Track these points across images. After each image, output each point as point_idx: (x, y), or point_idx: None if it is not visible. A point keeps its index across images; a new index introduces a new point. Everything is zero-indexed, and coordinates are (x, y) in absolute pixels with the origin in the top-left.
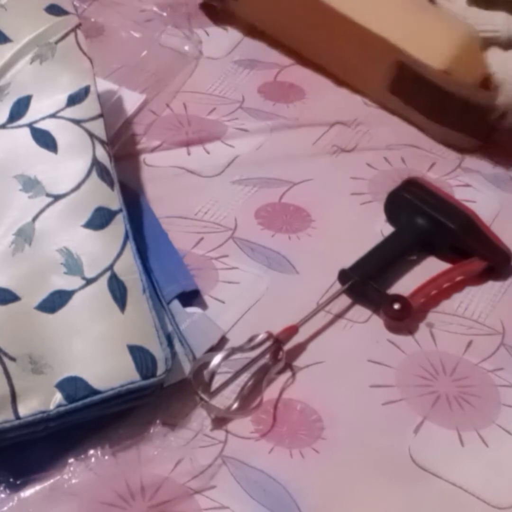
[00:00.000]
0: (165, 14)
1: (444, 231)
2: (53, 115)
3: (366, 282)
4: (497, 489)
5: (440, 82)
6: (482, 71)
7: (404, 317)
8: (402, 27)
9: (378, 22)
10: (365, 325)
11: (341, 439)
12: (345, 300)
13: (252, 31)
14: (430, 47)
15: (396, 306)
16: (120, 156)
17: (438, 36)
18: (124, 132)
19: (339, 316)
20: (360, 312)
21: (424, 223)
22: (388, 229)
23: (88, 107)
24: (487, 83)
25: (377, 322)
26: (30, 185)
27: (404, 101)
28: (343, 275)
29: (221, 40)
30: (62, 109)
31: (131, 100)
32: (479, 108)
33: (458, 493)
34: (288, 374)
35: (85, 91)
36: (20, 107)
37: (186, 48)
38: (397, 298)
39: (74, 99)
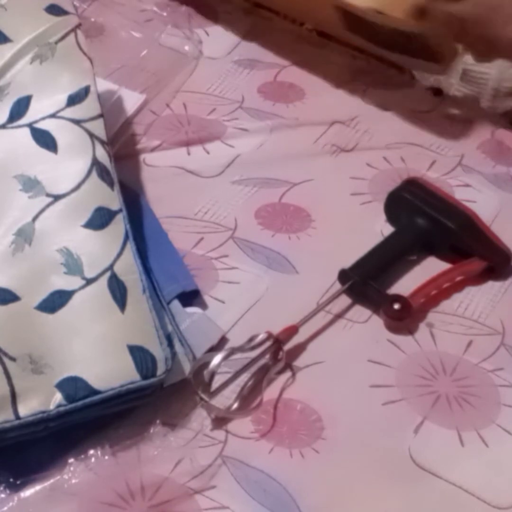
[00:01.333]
0: (165, 14)
1: (444, 231)
2: (53, 115)
3: (366, 282)
4: (497, 489)
5: (377, 20)
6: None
7: (404, 317)
8: None
9: None
10: (365, 325)
11: (341, 439)
12: (345, 300)
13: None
14: None
15: (396, 306)
16: (120, 156)
17: None
18: (124, 132)
19: (339, 316)
20: (360, 312)
21: (424, 223)
22: (388, 229)
23: (88, 107)
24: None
25: (377, 322)
26: (30, 185)
27: (363, 37)
28: (343, 275)
29: (221, 40)
30: (62, 109)
31: (131, 100)
32: (420, 36)
33: (458, 493)
34: (288, 374)
35: (85, 91)
36: (20, 107)
37: (186, 48)
38: (397, 298)
39: (74, 99)
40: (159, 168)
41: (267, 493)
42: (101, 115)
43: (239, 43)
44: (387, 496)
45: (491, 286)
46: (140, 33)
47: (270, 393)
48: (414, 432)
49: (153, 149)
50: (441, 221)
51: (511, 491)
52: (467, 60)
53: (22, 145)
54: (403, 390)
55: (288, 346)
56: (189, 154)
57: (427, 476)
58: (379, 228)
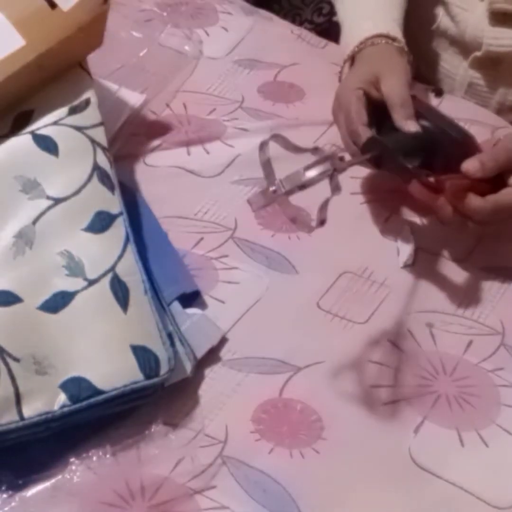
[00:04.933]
0: (165, 14)
1: (448, 140)
2: (55, 123)
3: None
4: (497, 489)
5: None
6: None
7: (439, 190)
8: None
9: None
10: (365, 325)
11: (341, 439)
12: (345, 299)
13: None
14: None
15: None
16: (120, 156)
17: None
18: (124, 132)
19: (339, 316)
20: (360, 312)
21: (432, 128)
22: (390, 227)
23: (89, 116)
24: None
25: (377, 322)
26: (30, 186)
27: None
28: (371, 143)
29: (221, 40)
30: (63, 118)
31: (131, 100)
32: None
33: (458, 493)
34: (288, 374)
35: (86, 103)
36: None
37: (186, 48)
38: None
39: (75, 109)
40: (159, 168)
41: (267, 493)
42: (101, 123)
43: (239, 43)
44: (387, 496)
45: (491, 286)
46: (140, 33)
47: (270, 393)
48: (414, 432)
49: (153, 149)
50: (446, 131)
51: (511, 491)
52: (473, 73)
53: (23, 148)
54: (403, 390)
55: (287, 346)
56: (189, 154)
57: (427, 476)
58: (379, 228)
